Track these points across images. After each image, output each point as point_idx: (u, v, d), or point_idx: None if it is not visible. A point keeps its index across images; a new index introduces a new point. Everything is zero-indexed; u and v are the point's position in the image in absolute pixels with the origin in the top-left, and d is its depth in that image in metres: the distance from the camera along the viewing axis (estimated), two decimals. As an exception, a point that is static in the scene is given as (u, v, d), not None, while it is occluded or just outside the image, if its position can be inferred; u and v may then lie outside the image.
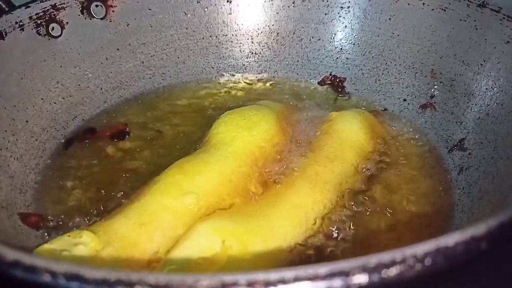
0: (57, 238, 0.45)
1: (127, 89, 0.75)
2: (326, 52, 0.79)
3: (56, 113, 0.66)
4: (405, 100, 0.71)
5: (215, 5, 0.79)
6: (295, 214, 0.49)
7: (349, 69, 0.77)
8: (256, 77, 0.80)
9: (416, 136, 0.66)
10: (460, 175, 0.59)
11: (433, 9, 0.68)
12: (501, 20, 0.60)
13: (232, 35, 0.80)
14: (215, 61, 0.80)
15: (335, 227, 0.50)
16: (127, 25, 0.75)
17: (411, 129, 0.67)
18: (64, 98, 0.68)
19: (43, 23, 0.66)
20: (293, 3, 0.78)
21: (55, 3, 0.67)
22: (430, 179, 0.59)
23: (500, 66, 0.59)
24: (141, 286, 0.24)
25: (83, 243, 0.43)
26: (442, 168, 0.61)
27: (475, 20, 0.63)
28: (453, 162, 0.61)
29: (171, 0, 0.77)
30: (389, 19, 0.73)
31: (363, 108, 0.70)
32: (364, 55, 0.76)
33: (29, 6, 0.64)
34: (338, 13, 0.77)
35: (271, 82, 0.79)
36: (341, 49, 0.78)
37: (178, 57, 0.79)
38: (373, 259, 0.24)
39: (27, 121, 0.62)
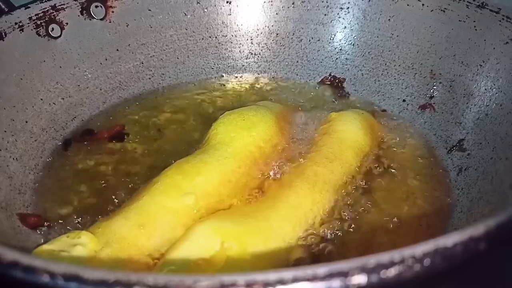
0: (56, 239, 0.45)
1: (126, 90, 0.75)
2: (325, 52, 0.79)
3: (56, 113, 0.66)
4: (404, 100, 0.71)
5: (215, 6, 0.79)
6: (294, 214, 0.49)
7: (348, 69, 0.77)
8: (256, 77, 0.80)
9: (415, 137, 0.66)
10: (459, 175, 0.59)
11: (432, 10, 0.68)
12: (500, 21, 0.60)
13: (232, 35, 0.80)
14: (215, 61, 0.80)
15: (334, 227, 0.50)
16: (127, 26, 0.75)
17: (410, 130, 0.67)
18: (63, 98, 0.68)
19: (42, 24, 0.66)
20: (293, 4, 0.78)
21: (54, 4, 0.67)
22: (429, 179, 0.59)
23: (499, 67, 0.59)
24: (140, 287, 0.24)
25: (82, 244, 0.43)
26: (441, 169, 0.61)
27: (474, 21, 0.63)
28: (452, 162, 0.61)
29: (170, 1, 0.77)
30: (389, 20, 0.73)
31: (362, 108, 0.70)
32: (363, 55, 0.76)
33: (29, 7, 0.64)
34: (338, 14, 0.77)
35: (270, 83, 0.79)
36: (340, 49, 0.78)
37: (178, 58, 0.79)
38: (372, 260, 0.24)
39: (26, 122, 0.62)
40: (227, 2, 0.79)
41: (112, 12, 0.73)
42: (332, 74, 0.78)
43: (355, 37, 0.77)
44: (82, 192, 0.57)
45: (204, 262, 0.42)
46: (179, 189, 0.49)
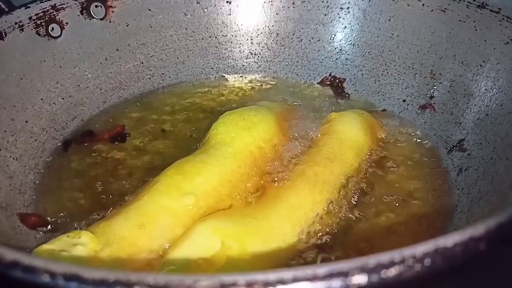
0: (56, 239, 0.45)
1: (126, 90, 0.75)
2: (325, 52, 0.79)
3: (56, 113, 0.66)
4: (404, 100, 0.71)
5: (215, 5, 0.79)
6: (294, 214, 0.49)
7: (348, 69, 0.77)
8: (256, 77, 0.80)
9: (416, 137, 0.66)
10: (459, 175, 0.59)
11: (432, 10, 0.68)
12: (500, 21, 0.60)
13: (232, 35, 0.80)
14: (215, 61, 0.80)
15: (334, 227, 0.50)
16: (127, 26, 0.75)
17: (410, 130, 0.67)
18: (63, 98, 0.68)
19: (42, 24, 0.66)
20: (293, 4, 0.78)
21: (54, 4, 0.67)
22: (429, 179, 0.59)
23: (499, 67, 0.59)
24: (140, 287, 0.24)
25: (82, 244, 0.43)
26: (441, 169, 0.61)
27: (474, 21, 0.63)
28: (453, 162, 0.61)
29: (170, 1, 0.77)
30: (389, 20, 0.73)
31: (362, 108, 0.70)
32: (363, 55, 0.76)
33: (29, 7, 0.64)
34: (338, 14, 0.77)
35: (270, 83, 0.79)
36: (340, 49, 0.78)
37: (178, 58, 0.79)
38: (372, 260, 0.24)
39: (26, 121, 0.62)
40: (227, 2, 0.79)
41: (112, 12, 0.73)
42: (332, 74, 0.78)
43: (355, 37, 0.77)
44: (82, 192, 0.57)
45: (204, 262, 0.42)
46: (179, 189, 0.49)
